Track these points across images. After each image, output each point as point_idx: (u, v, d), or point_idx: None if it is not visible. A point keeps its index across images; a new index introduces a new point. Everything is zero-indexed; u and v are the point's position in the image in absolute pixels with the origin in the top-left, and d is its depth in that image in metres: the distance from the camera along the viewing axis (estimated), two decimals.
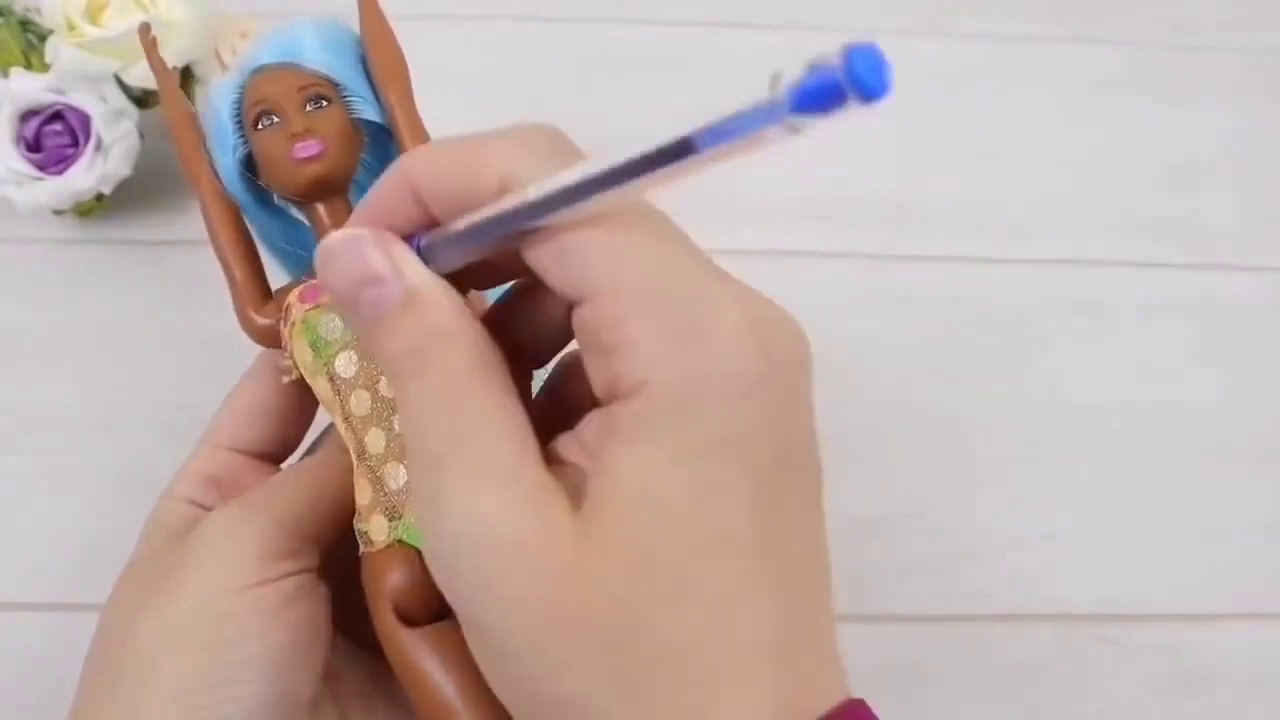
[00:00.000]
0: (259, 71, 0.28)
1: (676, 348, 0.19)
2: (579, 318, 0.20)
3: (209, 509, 0.28)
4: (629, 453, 0.19)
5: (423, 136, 0.29)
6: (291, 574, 0.26)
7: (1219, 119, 0.55)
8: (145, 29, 0.31)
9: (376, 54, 0.29)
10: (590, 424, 0.22)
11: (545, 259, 0.20)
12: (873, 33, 0.54)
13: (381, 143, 0.30)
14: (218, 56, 0.46)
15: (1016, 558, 0.42)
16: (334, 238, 0.22)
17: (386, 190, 0.22)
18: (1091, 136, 0.54)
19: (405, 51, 0.30)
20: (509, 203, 0.20)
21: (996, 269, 0.49)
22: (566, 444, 0.22)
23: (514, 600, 0.19)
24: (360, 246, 0.22)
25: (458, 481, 0.20)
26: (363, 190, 0.30)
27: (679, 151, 0.16)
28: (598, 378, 0.21)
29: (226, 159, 0.29)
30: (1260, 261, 0.50)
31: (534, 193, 0.19)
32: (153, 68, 0.30)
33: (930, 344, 0.47)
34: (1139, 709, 0.39)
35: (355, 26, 0.30)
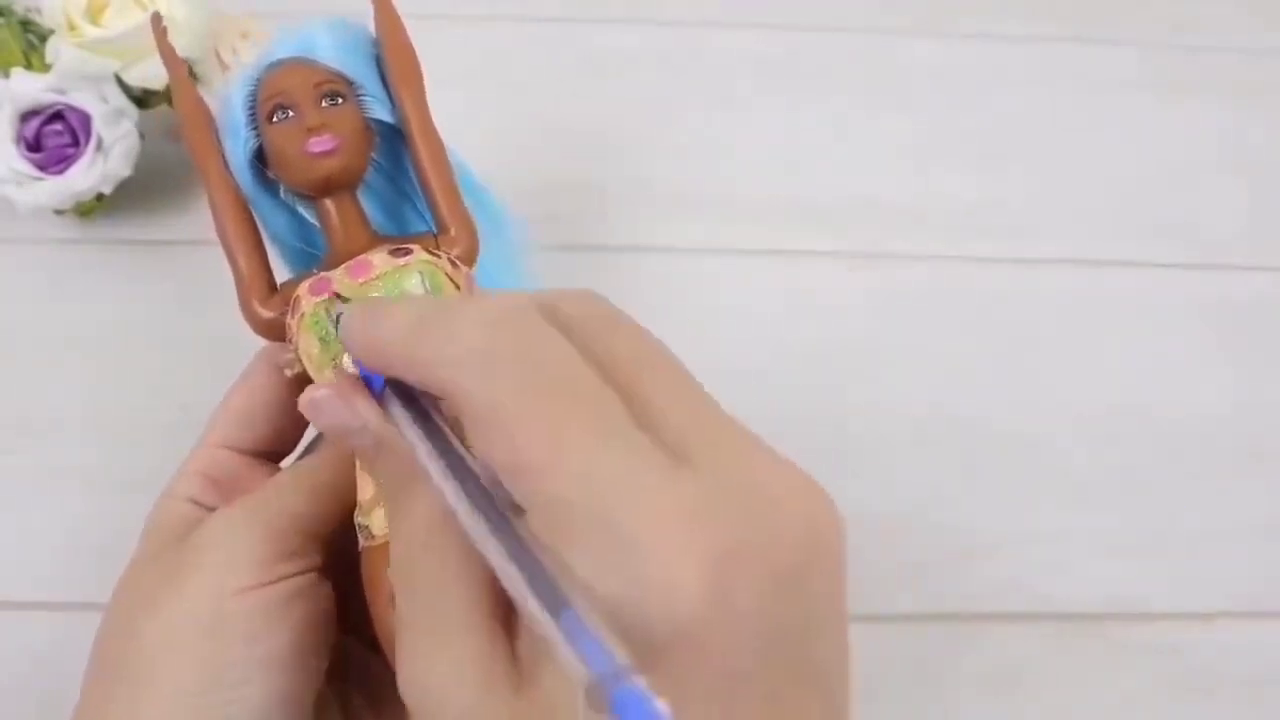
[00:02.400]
0: (275, 66, 0.28)
1: (611, 573, 0.18)
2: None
3: (210, 508, 0.28)
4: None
5: (434, 139, 0.29)
6: (293, 575, 0.26)
7: (1219, 119, 0.55)
8: (157, 18, 0.31)
9: (392, 55, 0.29)
10: None
11: (492, 456, 0.19)
12: (873, 32, 0.55)
13: (392, 143, 0.30)
14: (218, 56, 0.46)
15: (1016, 558, 0.42)
16: (308, 393, 0.24)
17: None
18: (1092, 136, 0.54)
19: None
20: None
21: (996, 269, 0.49)
22: None
23: None
24: (329, 404, 0.23)
25: (412, 645, 0.20)
26: (372, 190, 0.31)
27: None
28: None
29: (237, 151, 0.29)
30: (1260, 261, 0.50)
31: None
32: (163, 57, 0.30)
33: (930, 344, 0.47)
34: (1139, 709, 0.39)
35: (366, 25, 0.30)
